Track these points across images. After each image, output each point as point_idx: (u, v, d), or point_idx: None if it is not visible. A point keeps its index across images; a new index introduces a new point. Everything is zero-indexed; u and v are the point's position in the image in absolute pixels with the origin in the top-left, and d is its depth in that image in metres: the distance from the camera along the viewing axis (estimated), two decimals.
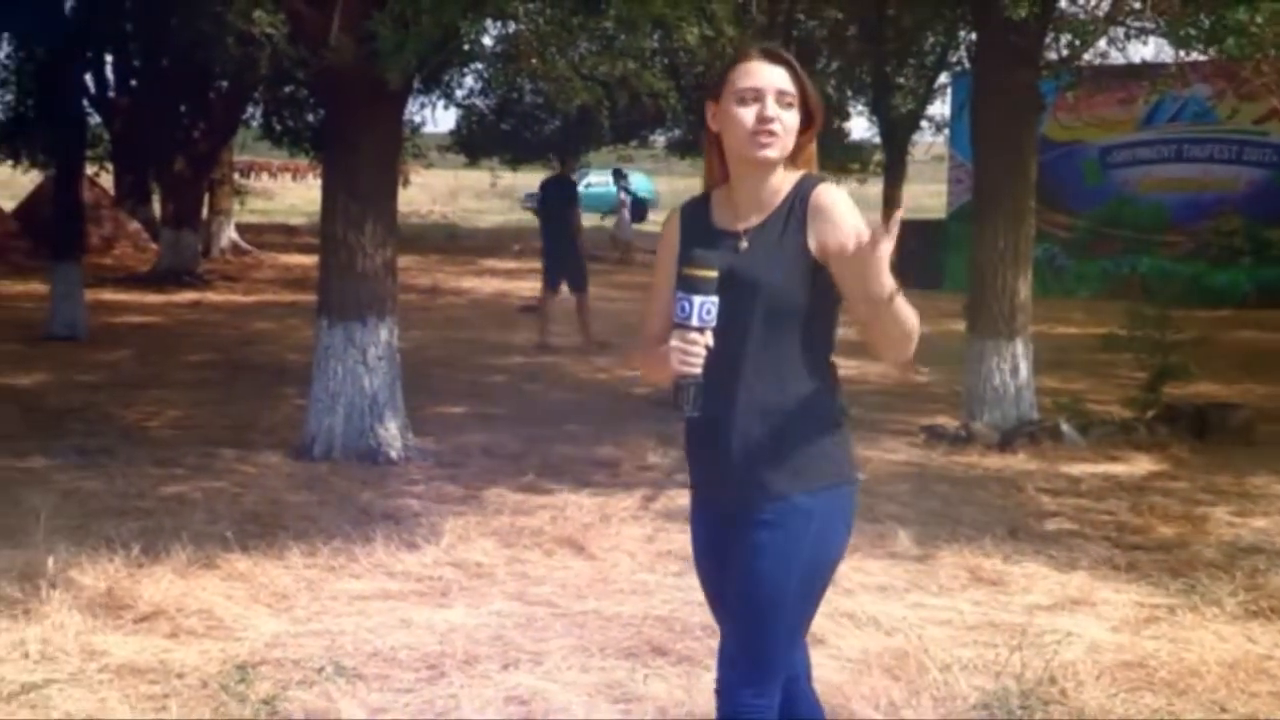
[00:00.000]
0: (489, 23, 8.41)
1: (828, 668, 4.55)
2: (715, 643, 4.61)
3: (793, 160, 2.90)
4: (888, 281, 2.74)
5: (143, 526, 6.03)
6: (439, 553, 5.80)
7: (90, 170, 19.55)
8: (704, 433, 2.88)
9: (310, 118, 22.94)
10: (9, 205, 23.62)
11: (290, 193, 39.93)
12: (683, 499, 6.81)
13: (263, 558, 5.61)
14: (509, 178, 37.06)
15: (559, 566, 5.70)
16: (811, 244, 2.83)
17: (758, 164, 2.85)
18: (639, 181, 45.13)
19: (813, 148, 2.94)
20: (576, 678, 4.46)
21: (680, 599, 5.20)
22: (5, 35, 17.95)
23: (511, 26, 8.12)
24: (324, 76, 7.76)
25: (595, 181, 44.11)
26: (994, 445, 8.37)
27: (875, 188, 27.71)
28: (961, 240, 14.90)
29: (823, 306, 2.87)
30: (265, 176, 41.73)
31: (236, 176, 26.76)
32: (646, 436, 8.38)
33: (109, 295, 16.36)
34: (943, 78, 23.26)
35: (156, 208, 22.51)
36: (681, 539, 6.07)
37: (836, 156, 25.82)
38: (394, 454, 7.68)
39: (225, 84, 18.86)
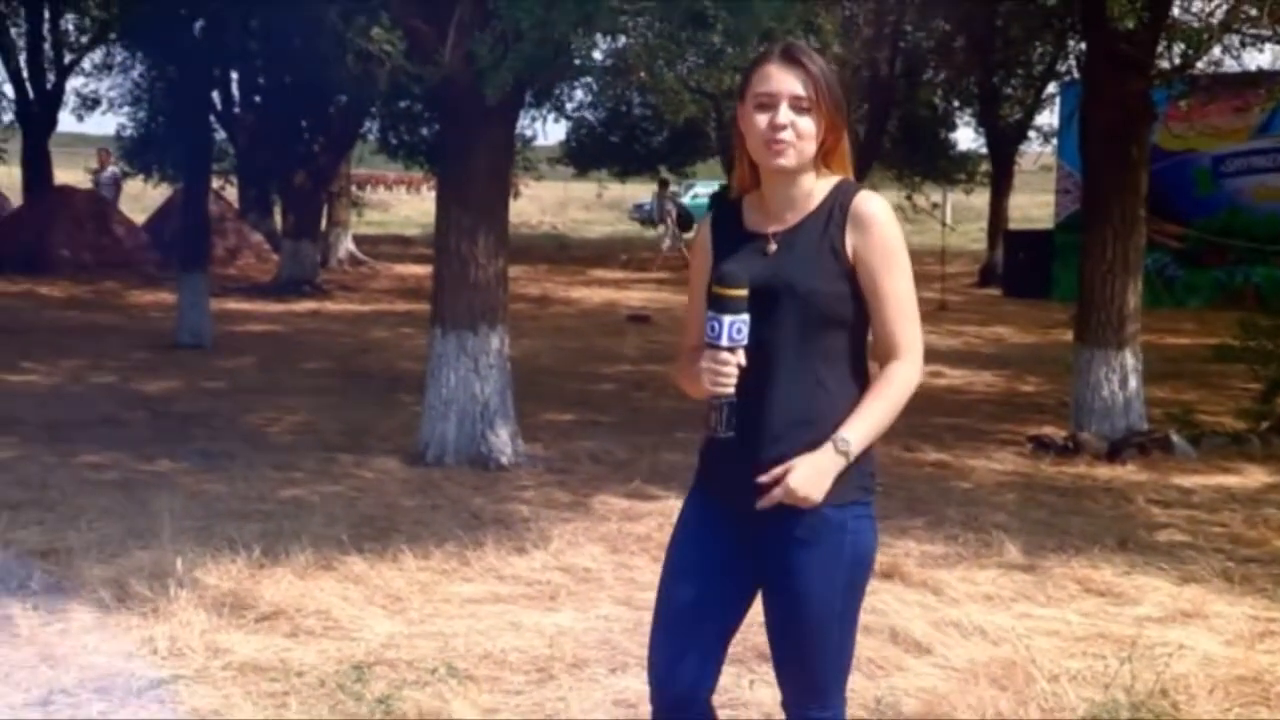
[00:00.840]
0: (599, 37, 8.54)
1: (933, 677, 4.56)
2: None
3: (825, 163, 2.83)
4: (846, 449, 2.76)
5: (264, 529, 6.18)
6: (548, 557, 5.88)
7: (216, 184, 20.02)
8: (735, 446, 2.79)
9: (425, 132, 23.29)
10: (140, 218, 24.34)
11: (405, 205, 40.61)
12: None
13: (378, 560, 5.73)
14: (616, 189, 37.32)
15: None
16: (849, 250, 2.77)
17: (773, 171, 2.81)
18: None
19: (844, 147, 2.85)
20: None
21: None
22: (139, 55, 18.52)
23: (621, 41, 8.25)
24: (438, 92, 7.94)
25: (702, 193, 44.46)
26: (1102, 456, 8.28)
27: (982, 198, 27.44)
28: (1069, 250, 14.71)
29: (857, 312, 2.80)
30: (381, 189, 42.52)
31: (354, 189, 27.30)
32: None
33: (232, 305, 16.75)
34: (1051, 87, 22.96)
35: (278, 220, 23.03)
36: None
37: (942, 167, 25.61)
38: (505, 460, 7.81)
39: (344, 99, 19.26)
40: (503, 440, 7.86)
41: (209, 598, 5.13)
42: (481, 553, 5.88)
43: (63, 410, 9.35)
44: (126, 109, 23.54)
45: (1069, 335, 9.20)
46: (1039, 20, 15.87)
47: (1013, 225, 24.21)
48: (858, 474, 2.82)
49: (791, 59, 2.78)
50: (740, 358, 2.70)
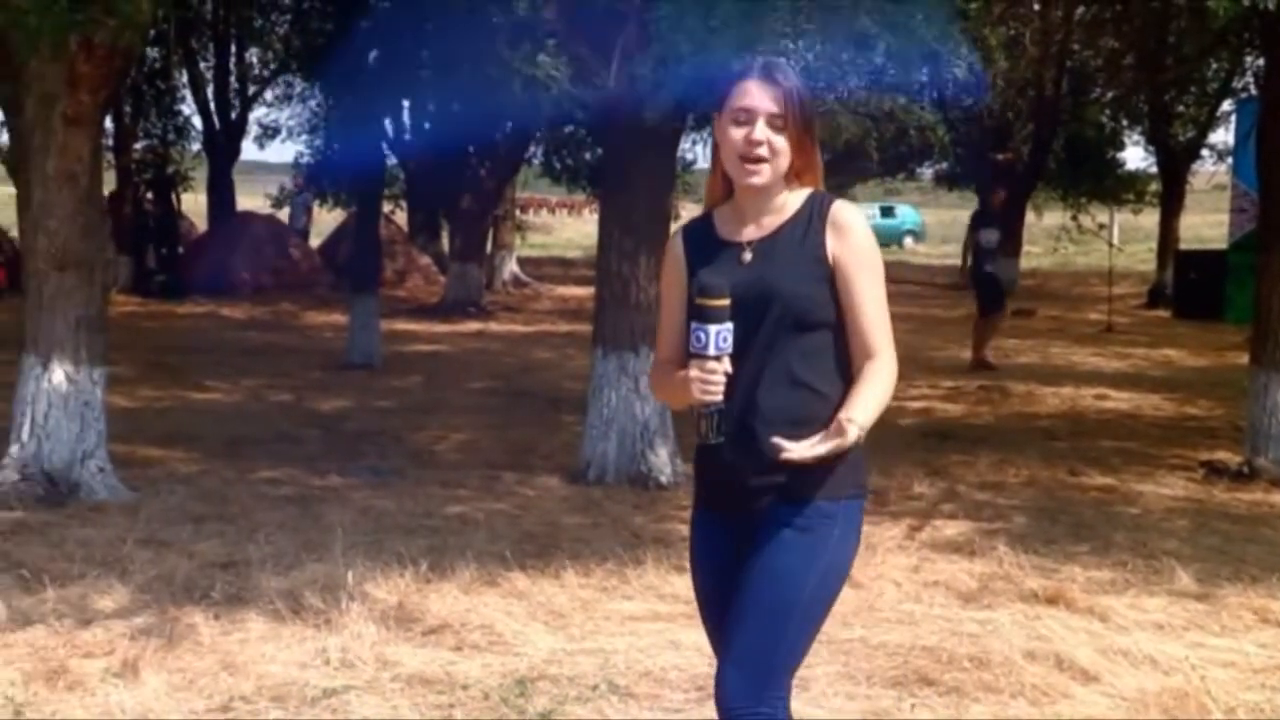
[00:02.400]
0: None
1: (1101, 706, 4.48)
2: (984, 674, 4.64)
3: (799, 176, 2.89)
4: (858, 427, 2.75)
5: (430, 544, 6.33)
6: None
7: (386, 208, 20.59)
8: (725, 451, 2.84)
9: (588, 156, 23.62)
10: (315, 242, 25.17)
11: (567, 227, 41.13)
12: (951, 530, 6.82)
13: (540, 577, 5.83)
14: None
15: None
16: (829, 254, 2.83)
17: (746, 186, 2.86)
18: (906, 213, 44.72)
19: (816, 162, 2.91)
20: (842, 705, 4.50)
21: (948, 630, 5.19)
22: (316, 85, 19.19)
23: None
24: (601, 116, 8.07)
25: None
26: None
27: (1150, 218, 26.68)
28: (1243, 271, 14.22)
29: (838, 315, 2.85)
30: (544, 212, 43.14)
31: (518, 213, 27.78)
32: (914, 466, 8.35)
33: (401, 325, 17.14)
34: (1226, 104, 22.26)
35: (445, 243, 23.56)
36: (951, 570, 6.05)
37: (1109, 186, 25.03)
38: (664, 479, 7.87)
39: (510, 125, 19.65)
40: (662, 460, 7.93)
41: (378, 610, 5.27)
42: (641, 570, 5.93)
43: (242, 427, 9.71)
44: (304, 137, 24.39)
45: (1243, 358, 8.89)
46: (1214, 36, 15.38)
47: (1184, 245, 23.52)
48: (851, 470, 2.87)
49: (770, 77, 2.83)
50: (727, 365, 2.75)
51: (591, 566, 5.99)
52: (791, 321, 2.81)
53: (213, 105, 23.43)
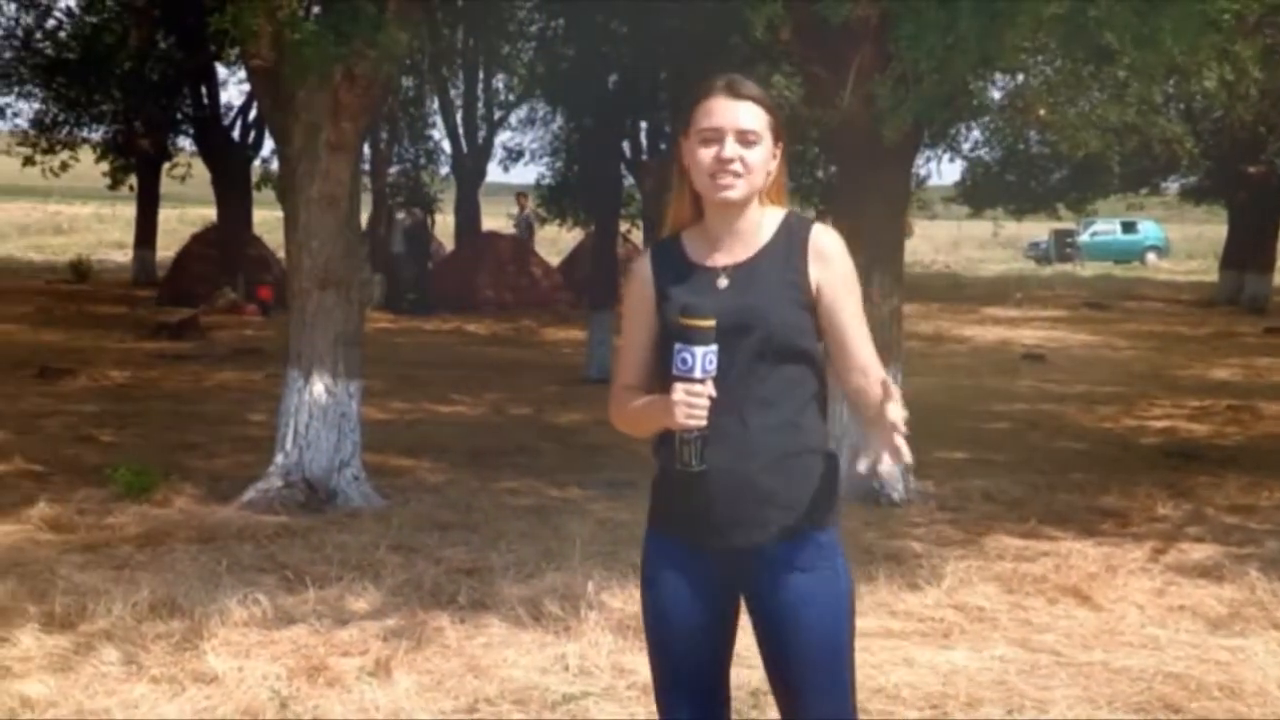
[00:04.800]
0: (998, 76, 8.48)
1: None
2: (1236, 704, 4.50)
3: (768, 195, 2.83)
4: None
5: None
6: (940, 594, 5.86)
7: (623, 228, 20.93)
8: (704, 481, 2.76)
9: (819, 174, 23.56)
10: (555, 260, 25.81)
11: None
12: (1198, 553, 6.61)
13: None
14: (1011, 228, 36.31)
15: (1063, 615, 5.63)
16: (813, 283, 2.78)
17: (720, 204, 2.79)
18: (1148, 228, 43.08)
19: (783, 179, 2.85)
20: None
21: (1195, 656, 5.05)
22: (559, 109, 19.71)
23: (1020, 79, 8.12)
24: (836, 135, 8.09)
25: (1101, 230, 42.58)
26: None
27: None
28: None
29: (816, 344, 2.82)
30: None
31: None
32: (1157, 487, 8.09)
33: None
34: None
35: None
36: (1198, 594, 5.87)
37: None
38: (896, 496, 7.83)
39: None
40: (895, 476, 7.88)
41: (615, 619, 5.39)
42: (874, 587, 5.92)
43: (485, 439, 10.03)
44: (546, 159, 25.08)
45: None
46: None
47: None
48: (830, 495, 2.84)
49: (736, 91, 2.79)
50: (711, 388, 2.68)
51: None
52: (774, 350, 2.76)
53: (461, 130, 24.30)
